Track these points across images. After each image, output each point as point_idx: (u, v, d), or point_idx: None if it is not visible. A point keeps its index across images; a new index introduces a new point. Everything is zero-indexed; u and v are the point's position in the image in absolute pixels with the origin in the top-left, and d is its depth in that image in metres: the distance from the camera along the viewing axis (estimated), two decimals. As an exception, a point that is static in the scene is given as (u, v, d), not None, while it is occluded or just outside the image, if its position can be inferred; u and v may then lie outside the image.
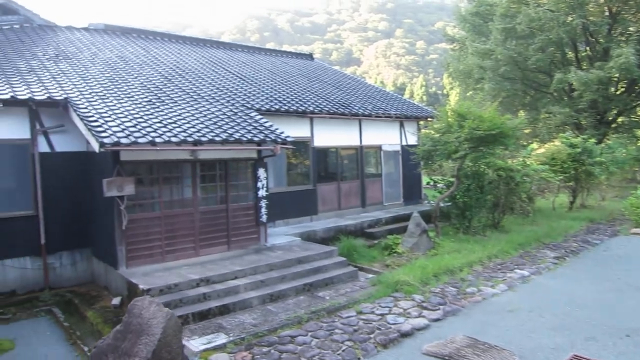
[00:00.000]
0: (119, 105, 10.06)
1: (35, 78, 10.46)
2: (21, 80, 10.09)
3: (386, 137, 16.96)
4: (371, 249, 12.64)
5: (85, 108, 9.47)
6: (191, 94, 12.23)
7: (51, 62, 11.87)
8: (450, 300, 8.83)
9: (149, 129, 9.25)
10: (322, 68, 21.18)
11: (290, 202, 13.94)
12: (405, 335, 7.38)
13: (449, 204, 14.69)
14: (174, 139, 9.17)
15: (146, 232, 9.72)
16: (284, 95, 14.44)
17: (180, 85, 12.65)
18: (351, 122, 15.65)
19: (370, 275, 10.56)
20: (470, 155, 13.33)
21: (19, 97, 9.23)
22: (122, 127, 9.03)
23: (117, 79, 11.81)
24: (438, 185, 17.42)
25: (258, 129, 10.98)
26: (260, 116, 11.97)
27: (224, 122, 10.80)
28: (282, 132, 11.14)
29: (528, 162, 16.63)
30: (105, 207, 9.54)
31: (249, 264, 9.80)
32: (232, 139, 10.03)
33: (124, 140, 8.53)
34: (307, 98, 14.91)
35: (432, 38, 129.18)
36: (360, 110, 15.47)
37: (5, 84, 9.65)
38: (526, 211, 16.59)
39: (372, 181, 16.52)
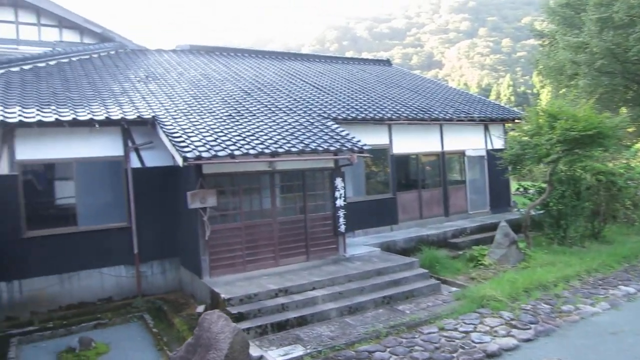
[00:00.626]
0: (201, 121, 10.49)
1: (127, 99, 11.22)
2: (115, 102, 10.87)
3: (470, 141, 16.21)
4: (455, 260, 12.07)
5: (170, 125, 9.97)
6: (269, 106, 12.49)
7: (141, 83, 12.70)
8: (543, 319, 8.14)
9: (228, 142, 9.53)
10: (401, 73, 20.80)
11: (369, 211, 13.73)
12: (491, 356, 6.90)
13: (541, 212, 13.70)
14: (252, 151, 9.36)
15: (228, 243, 9.99)
16: (361, 103, 14.31)
17: (258, 99, 12.98)
18: (431, 127, 15.14)
19: (454, 289, 10.06)
20: (564, 159, 12.33)
21: (112, 117, 9.93)
22: (204, 141, 9.38)
23: (200, 95, 12.37)
24: (528, 191, 16.35)
25: (334, 138, 10.93)
26: (336, 125, 11.93)
27: (300, 133, 10.87)
28: (358, 141, 11.00)
29: (632, 165, 15.07)
30: (190, 219, 9.95)
31: (327, 275, 9.73)
32: (309, 149, 10.05)
33: (205, 155, 8.85)
34: (385, 104, 14.66)
35: (518, 35, 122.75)
36: (441, 115, 14.92)
37: (101, 106, 10.44)
38: (631, 219, 15.03)
39: (456, 188, 15.84)
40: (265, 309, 8.48)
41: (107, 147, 10.46)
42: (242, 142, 9.73)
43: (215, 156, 8.95)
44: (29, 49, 14.55)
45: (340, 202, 11.25)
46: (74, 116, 9.58)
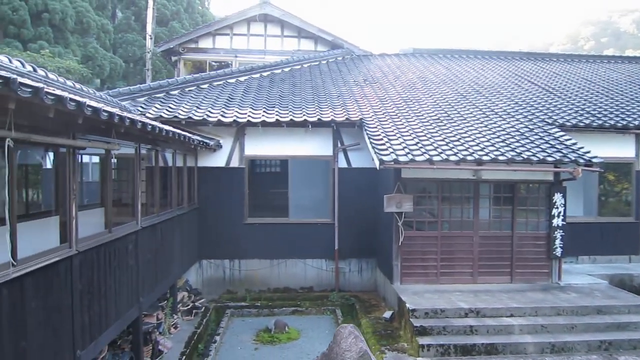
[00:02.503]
0: (406, 124, 10.33)
1: (341, 102, 11.80)
2: (329, 105, 11.54)
3: None
4: None
5: (375, 127, 10.08)
6: (484, 110, 11.56)
7: (357, 87, 13.22)
8: None
9: (429, 147, 9.14)
10: (667, 71, 16.87)
11: (601, 235, 11.51)
12: None
13: None
14: (452, 158, 8.78)
15: (422, 251, 9.62)
16: (601, 107, 12.07)
17: (473, 102, 12.14)
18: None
19: None
20: None
21: (324, 119, 10.56)
22: (404, 145, 9.20)
23: (411, 99, 12.21)
24: None
25: (555, 148, 9.46)
26: (561, 133, 10.31)
27: (514, 140, 9.75)
28: (587, 152, 9.29)
29: None
30: (386, 222, 9.91)
31: (530, 303, 8.49)
32: (520, 158, 8.92)
33: (402, 159, 8.66)
34: (635, 110, 12.05)
35: None
36: None
37: (317, 108, 11.20)
38: None
39: None
40: (451, 328, 7.85)
41: (319, 147, 11.17)
42: (445, 147, 9.21)
43: (413, 160, 8.67)
44: (273, 58, 16.60)
45: (558, 222, 9.70)
46: (291, 117, 10.52)
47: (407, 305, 8.34)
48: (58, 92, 3.72)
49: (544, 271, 9.81)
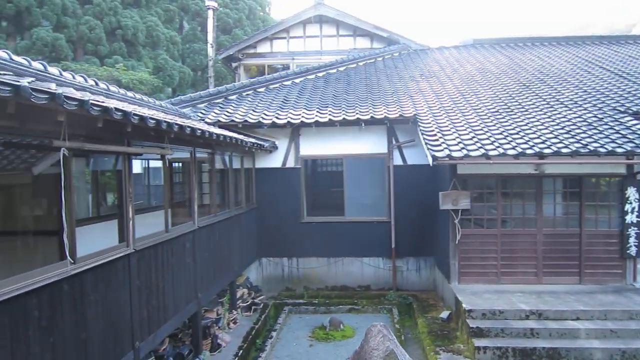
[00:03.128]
0: (462, 118, 10.03)
1: (395, 98, 11.66)
2: (383, 102, 11.43)
3: None
4: None
5: (428, 123, 9.87)
6: (548, 100, 10.96)
7: (413, 82, 13.00)
8: None
9: (486, 142, 8.81)
10: None
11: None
12: None
13: None
14: (510, 152, 8.40)
15: (481, 250, 9.29)
16: (683, 92, 11.06)
17: (537, 92, 11.54)
18: None
19: None
20: None
21: (376, 116, 10.49)
22: (459, 140, 8.93)
23: (469, 91, 11.83)
24: None
25: (627, 138, 8.78)
26: (635, 122, 9.56)
27: (580, 131, 9.16)
28: (663, 141, 8.56)
29: None
30: (443, 220, 9.67)
31: (600, 306, 7.96)
32: (586, 150, 8.37)
33: (456, 154, 8.42)
34: None
35: None
36: None
37: (370, 106, 11.15)
38: None
39: None
40: (510, 330, 7.54)
41: (373, 144, 11.11)
42: (503, 141, 8.83)
43: (467, 156, 8.40)
44: (329, 58, 16.66)
45: (632, 218, 9.01)
46: (344, 116, 10.55)
47: (464, 305, 8.10)
48: (104, 103, 3.99)
49: (617, 272, 9.14)
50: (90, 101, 3.72)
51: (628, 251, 9.02)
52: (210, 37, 19.71)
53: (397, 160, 11.07)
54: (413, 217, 10.97)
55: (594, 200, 9.22)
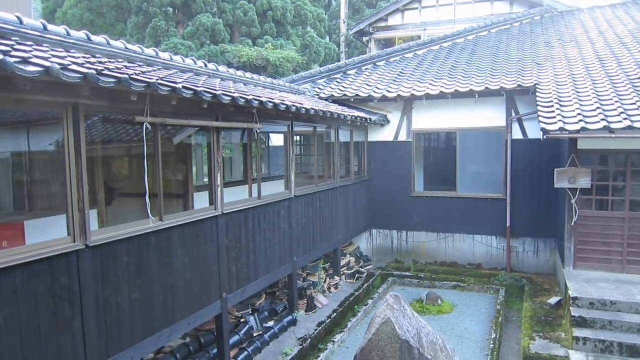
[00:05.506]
0: (590, 88, 8.92)
1: (519, 67, 10.76)
2: (503, 71, 10.65)
3: None
4: None
5: (547, 93, 9.00)
6: None
7: (547, 48, 11.78)
8: None
9: (612, 113, 7.77)
10: None
11: None
12: None
13: None
14: (638, 124, 7.31)
15: (603, 234, 8.33)
16: None
17: (702, 52, 9.64)
18: None
19: None
20: None
21: (491, 87, 9.86)
22: (579, 111, 8.02)
23: (610, 57, 10.35)
24: None
25: None
26: None
27: None
28: None
29: None
30: (560, 199, 8.86)
31: None
32: None
33: (570, 127, 7.61)
34: None
35: None
36: None
37: (488, 76, 10.48)
38: None
39: None
40: (620, 324, 6.76)
41: (490, 117, 10.48)
42: (634, 112, 7.69)
43: (584, 129, 7.53)
44: (463, 26, 15.78)
45: None
46: (455, 88, 10.14)
47: (570, 292, 7.45)
48: (176, 84, 4.68)
49: None
50: (159, 82, 4.40)
51: None
52: (342, 12, 20.15)
53: (517, 134, 10.30)
54: (532, 195, 10.17)
55: None
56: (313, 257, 9.01)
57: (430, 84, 10.70)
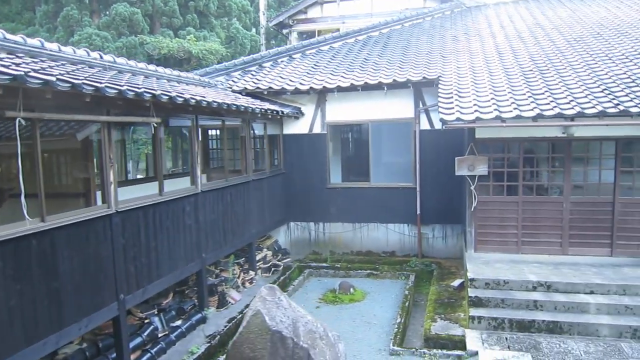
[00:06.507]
0: (487, 80, 9.40)
1: (426, 60, 11.15)
2: (412, 64, 10.99)
3: None
4: None
5: (449, 85, 9.39)
6: (596, 56, 9.88)
7: (453, 42, 12.29)
8: None
9: (504, 103, 8.23)
10: None
11: None
12: None
13: None
14: (527, 114, 7.78)
15: (500, 218, 8.85)
16: None
17: (587, 48, 10.43)
18: None
19: None
20: None
21: (399, 79, 10.16)
22: (475, 102, 8.43)
23: (508, 50, 10.97)
24: None
25: (672, 95, 7.75)
26: (692, 76, 8.38)
27: (619, 90, 8.21)
28: None
29: None
30: (463, 186, 9.30)
31: (621, 280, 7.35)
32: (615, 110, 7.53)
33: (466, 117, 7.99)
34: None
35: None
36: None
37: (396, 69, 10.78)
38: None
39: None
40: (511, 302, 7.23)
41: (399, 109, 10.78)
42: (523, 102, 8.19)
43: (478, 119, 7.93)
44: (381, 19, 16.09)
45: (676, 185, 8.02)
46: (365, 80, 10.35)
47: (468, 273, 7.87)
48: (67, 78, 4.40)
49: (656, 244, 8.26)
50: (28, 74, 4.13)
51: (670, 222, 8.09)
52: (262, 4, 19.96)
53: (425, 125, 10.69)
54: (440, 183, 10.61)
55: (632, 165, 8.32)
56: (225, 253, 8.90)
57: (342, 76, 10.85)
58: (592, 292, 7.20)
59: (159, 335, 6.97)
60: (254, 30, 31.64)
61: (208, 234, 8.17)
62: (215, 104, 7.35)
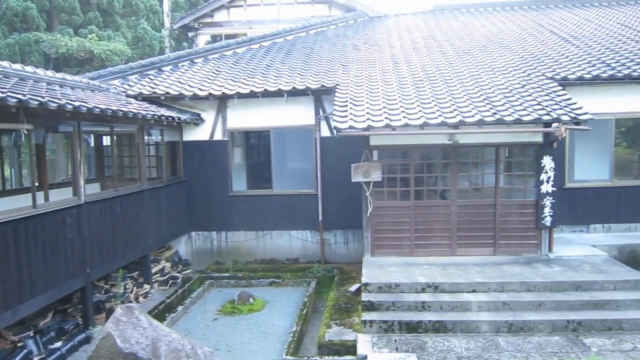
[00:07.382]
0: (380, 89, 9.73)
1: (326, 68, 11.33)
2: (312, 72, 11.11)
3: None
4: None
5: (345, 93, 9.60)
6: (480, 67, 10.59)
7: (354, 51, 12.61)
8: None
9: (394, 112, 8.54)
10: None
11: (618, 201, 10.26)
12: None
13: None
14: (414, 122, 8.14)
15: (394, 222, 9.17)
16: (623, 55, 10.56)
17: (473, 59, 11.15)
18: None
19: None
20: None
21: (298, 87, 10.23)
22: (368, 110, 8.67)
23: (403, 60, 11.45)
24: None
25: (541, 105, 8.47)
26: (559, 88, 9.22)
27: (497, 100, 8.84)
28: (576, 108, 8.24)
29: None
30: (362, 192, 9.51)
31: (499, 277, 7.85)
32: (492, 119, 8.09)
33: (359, 125, 8.20)
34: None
35: None
36: None
37: (297, 76, 10.83)
38: None
39: None
40: (401, 304, 7.46)
41: (301, 116, 10.85)
42: (412, 111, 8.56)
43: (370, 127, 8.18)
44: (287, 27, 16.17)
45: (547, 188, 8.76)
46: (265, 87, 10.30)
47: (362, 278, 8.04)
48: None
49: (532, 242, 8.97)
50: None
51: (543, 221, 8.82)
52: (165, 5, 19.32)
53: (325, 132, 10.84)
54: (341, 189, 10.76)
55: (510, 170, 9.01)
56: (115, 267, 8.42)
57: (243, 82, 10.72)
58: (474, 291, 7.64)
59: (34, 359, 6.42)
60: (163, 31, 30.50)
61: (94, 247, 7.67)
62: (97, 109, 6.93)
